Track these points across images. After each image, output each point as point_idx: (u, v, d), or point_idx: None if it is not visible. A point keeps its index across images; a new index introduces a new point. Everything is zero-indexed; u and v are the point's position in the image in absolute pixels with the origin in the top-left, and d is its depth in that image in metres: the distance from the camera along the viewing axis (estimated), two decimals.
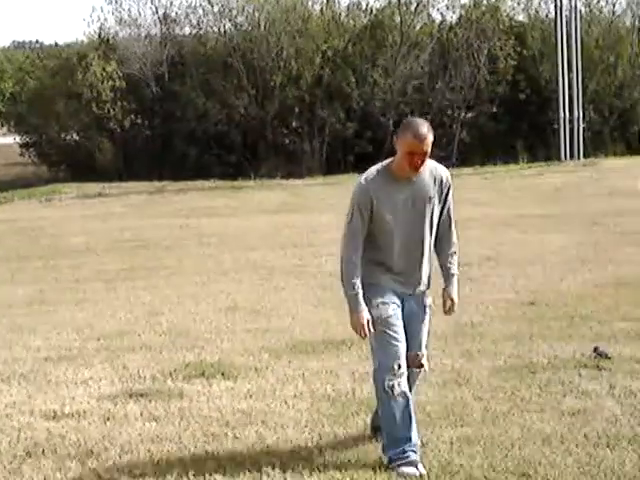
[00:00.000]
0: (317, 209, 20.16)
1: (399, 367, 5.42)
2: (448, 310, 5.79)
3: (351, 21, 32.32)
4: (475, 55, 31.50)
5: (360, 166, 29.51)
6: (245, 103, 30.82)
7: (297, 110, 31.15)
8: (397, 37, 31.13)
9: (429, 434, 5.95)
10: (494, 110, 32.27)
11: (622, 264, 12.19)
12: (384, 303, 5.46)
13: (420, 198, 5.46)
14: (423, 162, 5.32)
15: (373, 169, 5.47)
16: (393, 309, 5.47)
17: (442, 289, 5.77)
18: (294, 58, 30.68)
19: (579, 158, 29.52)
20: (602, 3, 34.11)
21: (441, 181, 5.54)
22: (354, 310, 5.41)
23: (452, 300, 5.76)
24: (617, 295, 10.23)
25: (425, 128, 5.28)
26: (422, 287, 5.63)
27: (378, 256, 5.48)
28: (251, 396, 6.93)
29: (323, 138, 30.76)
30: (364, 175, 5.46)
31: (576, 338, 8.27)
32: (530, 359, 7.66)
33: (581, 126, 29.93)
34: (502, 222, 16.71)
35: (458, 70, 31.54)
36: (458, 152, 30.52)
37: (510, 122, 32.10)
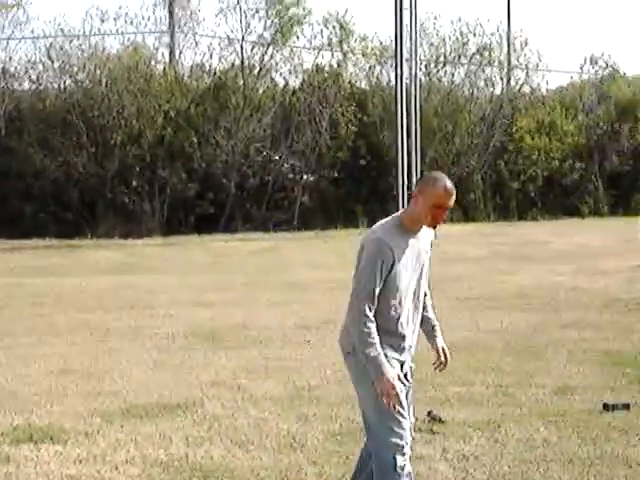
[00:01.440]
0: (156, 270, 19.92)
1: (408, 447, 5.08)
2: (445, 362, 5.46)
3: (194, 82, 32.34)
4: (317, 120, 31.89)
5: (201, 227, 29.53)
6: (84, 161, 30.37)
7: (137, 169, 30.87)
8: (240, 99, 31.29)
9: None
10: (335, 175, 32.68)
11: (457, 329, 12.38)
12: (393, 378, 5.00)
13: (422, 252, 5.15)
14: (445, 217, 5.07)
15: (385, 223, 5.10)
16: (400, 384, 5.03)
17: (432, 343, 5.43)
18: (135, 117, 30.46)
19: None
20: (441, 73, 35.08)
21: (433, 233, 5.28)
22: (383, 372, 4.91)
23: (445, 350, 5.44)
24: (451, 360, 10.35)
25: (452, 183, 5.09)
26: (413, 350, 5.28)
27: (385, 323, 5.05)
28: (81, 461, 6.71)
29: (164, 198, 30.54)
30: (378, 230, 5.07)
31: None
32: None
33: None
34: (341, 285, 16.76)
35: (300, 134, 31.85)
36: (299, 215, 30.72)
37: (351, 187, 32.54)
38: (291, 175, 32.13)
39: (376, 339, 4.94)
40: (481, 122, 34.40)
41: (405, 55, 30.83)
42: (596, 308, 13.93)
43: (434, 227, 5.11)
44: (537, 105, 36.13)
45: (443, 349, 5.43)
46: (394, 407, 4.92)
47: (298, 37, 32.97)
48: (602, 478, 6.21)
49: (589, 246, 23.31)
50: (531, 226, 30.38)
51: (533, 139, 34.35)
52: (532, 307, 14.23)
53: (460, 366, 9.93)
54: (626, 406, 7.91)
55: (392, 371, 4.95)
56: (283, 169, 32.08)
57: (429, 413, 7.77)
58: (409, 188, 30.43)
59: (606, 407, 7.97)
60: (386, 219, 5.15)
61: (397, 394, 4.92)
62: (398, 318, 5.08)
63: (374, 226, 5.15)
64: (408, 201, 31.04)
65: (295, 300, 15.03)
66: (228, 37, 32.39)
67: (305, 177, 32.04)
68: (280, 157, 31.73)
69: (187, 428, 7.53)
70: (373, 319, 4.97)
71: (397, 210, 27.54)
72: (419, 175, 30.74)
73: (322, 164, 32.29)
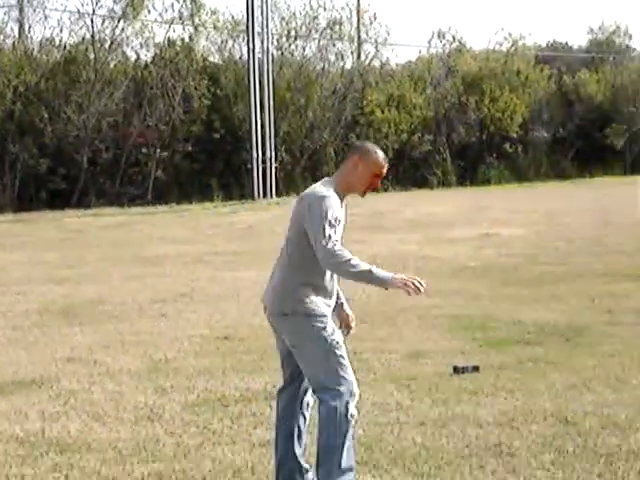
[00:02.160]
0: (6, 247, 19.51)
1: (356, 394, 5.31)
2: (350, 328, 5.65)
3: (44, 57, 31.67)
4: (170, 94, 31.65)
5: (54, 202, 29.00)
6: None
7: None
8: (91, 74, 30.81)
9: (120, 471, 5.89)
10: (189, 149, 32.51)
11: None
12: (334, 329, 5.25)
13: (344, 219, 5.28)
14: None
15: (322, 186, 5.21)
16: (340, 334, 5.33)
17: (340, 311, 5.56)
18: None
19: (272, 197, 30.28)
20: (293, 47, 35.18)
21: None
22: (387, 276, 5.01)
23: (352, 317, 5.66)
24: None
25: None
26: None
27: (318, 280, 5.21)
28: None
29: (15, 174, 29.88)
30: (323, 190, 5.16)
31: (267, 371, 8.43)
32: (222, 393, 7.74)
33: (273, 166, 30.72)
34: (197, 259, 16.83)
35: (153, 108, 31.57)
36: (153, 190, 30.46)
37: (205, 161, 32.44)
38: (145, 150, 31.84)
39: (359, 261, 5.03)
40: (333, 96, 34.69)
41: (257, 29, 30.90)
42: (445, 275, 14.30)
43: (364, 194, 5.33)
44: (387, 79, 36.62)
45: (350, 316, 5.65)
46: (417, 289, 4.98)
47: (149, 11, 32.63)
48: (454, 438, 6.44)
49: (438, 216, 23.83)
50: (382, 197, 30.79)
51: (383, 112, 34.82)
52: None
53: None
54: (476, 368, 8.19)
55: (389, 273, 5.03)
56: (136, 143, 31.76)
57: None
58: (263, 161, 30.57)
59: (456, 370, 8.24)
60: (319, 183, 5.28)
61: (412, 280, 5.00)
62: (331, 276, 5.27)
63: (314, 188, 5.24)
64: (263, 174, 31.18)
65: (150, 274, 14.98)
66: (78, 11, 31.86)
67: (159, 151, 31.79)
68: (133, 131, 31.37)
69: (43, 403, 7.48)
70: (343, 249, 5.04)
71: (252, 184, 27.41)
72: (273, 149, 30.90)
73: (176, 138, 32.08)
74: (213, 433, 6.68)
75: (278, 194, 30.80)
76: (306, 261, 5.19)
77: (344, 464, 5.24)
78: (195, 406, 7.38)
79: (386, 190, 33.41)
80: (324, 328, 5.19)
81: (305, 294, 5.19)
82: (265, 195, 30.31)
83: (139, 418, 7.08)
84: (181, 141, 32.25)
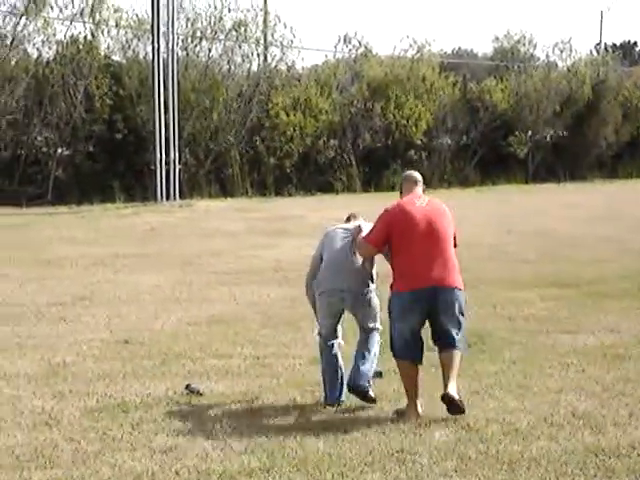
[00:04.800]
0: None
1: None
2: None
3: None
4: (71, 92, 31.10)
5: None
6: None
7: None
8: None
9: (17, 477, 5.74)
10: (91, 149, 31.98)
11: (215, 303, 12.48)
12: None
13: None
14: None
15: None
16: None
17: None
18: None
19: (175, 199, 29.99)
20: (198, 48, 34.92)
21: None
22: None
23: None
24: (210, 333, 10.44)
25: None
26: None
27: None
28: None
29: None
30: None
31: (169, 376, 8.32)
32: (123, 398, 7.60)
33: (177, 168, 30.43)
34: (98, 261, 16.55)
35: (54, 107, 31.00)
36: (54, 190, 29.89)
37: (107, 161, 31.94)
38: (45, 149, 31.23)
39: None
40: (238, 98, 34.48)
41: (162, 29, 30.57)
42: None
43: None
44: (293, 82, 36.55)
45: None
46: None
47: (52, 7, 32.04)
48: (357, 444, 6.42)
49: (342, 220, 23.79)
50: (287, 202, 30.82)
51: (289, 116, 34.74)
52: (288, 281, 14.47)
53: (218, 339, 10.02)
54: (379, 374, 8.18)
55: None
56: (36, 142, 31.17)
57: (187, 386, 7.80)
58: (167, 163, 30.23)
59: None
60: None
61: None
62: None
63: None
64: (167, 176, 30.76)
65: (49, 276, 14.68)
66: None
67: (59, 151, 31.20)
68: (33, 130, 30.79)
69: None
70: None
71: (155, 186, 26.84)
72: (177, 151, 30.61)
73: (77, 138, 31.56)
74: (113, 439, 6.55)
75: (182, 196, 30.52)
76: None
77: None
78: (94, 411, 7.24)
79: (290, 195, 33.40)
80: None
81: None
82: (168, 197, 29.97)
83: (37, 423, 6.92)
84: (82, 140, 31.73)
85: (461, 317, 7.30)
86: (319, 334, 7.75)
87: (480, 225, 21.42)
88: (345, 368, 7.56)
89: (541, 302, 12.35)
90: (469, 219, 24.04)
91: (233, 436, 6.62)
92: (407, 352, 7.27)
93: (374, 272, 7.77)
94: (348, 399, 7.49)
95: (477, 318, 11.18)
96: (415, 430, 6.68)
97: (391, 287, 7.44)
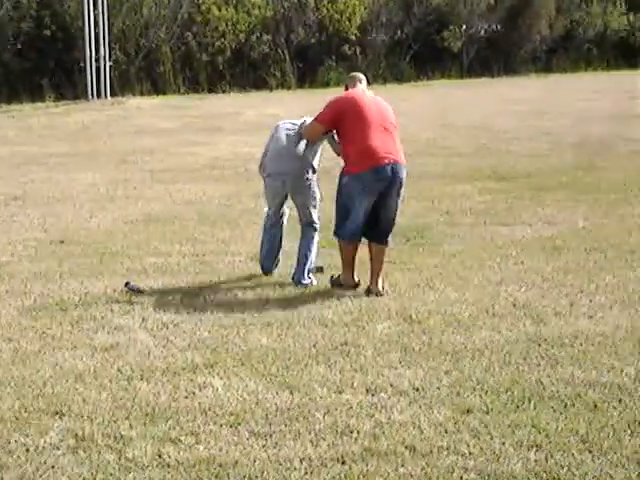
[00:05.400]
0: None
1: None
2: None
3: None
4: None
5: None
6: None
7: None
8: None
9: None
10: (19, 47, 31.19)
11: (151, 201, 12.31)
12: None
13: None
14: None
15: None
16: None
17: None
18: None
19: (106, 97, 29.42)
20: None
21: None
22: None
23: None
24: (147, 231, 10.31)
25: None
26: None
27: None
28: None
29: None
30: None
31: (107, 274, 8.21)
32: (61, 297, 7.49)
33: (107, 65, 29.80)
34: (30, 160, 16.23)
35: None
36: None
37: (36, 60, 31.21)
38: None
39: None
40: None
41: None
42: None
43: None
44: None
45: None
46: None
47: None
48: (300, 338, 6.40)
49: (279, 117, 23.48)
50: (221, 98, 30.42)
51: (220, 11, 34.12)
52: (225, 178, 14.34)
53: (156, 237, 9.90)
54: (320, 269, 8.15)
55: None
56: None
57: (126, 284, 7.70)
58: (96, 60, 29.62)
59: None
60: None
61: None
62: None
63: None
64: (97, 73, 30.10)
65: None
66: None
67: None
68: None
69: None
70: None
71: (85, 84, 26.18)
72: (106, 47, 29.95)
73: (4, 35, 30.73)
74: (52, 338, 6.46)
75: (112, 94, 29.97)
76: None
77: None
78: (32, 311, 7.12)
79: (224, 92, 32.95)
80: None
81: None
82: (99, 95, 29.40)
83: None
84: (10, 38, 30.93)
85: (399, 201, 7.69)
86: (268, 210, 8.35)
87: (417, 120, 21.33)
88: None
89: (479, 195, 12.37)
90: (406, 115, 23.93)
91: (175, 333, 6.57)
92: (356, 236, 7.60)
93: (315, 163, 7.85)
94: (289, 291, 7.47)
95: (415, 212, 11.19)
96: (358, 323, 6.68)
97: (346, 172, 7.60)
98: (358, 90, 7.84)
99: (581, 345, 6.17)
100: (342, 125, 7.58)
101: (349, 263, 7.66)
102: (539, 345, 6.15)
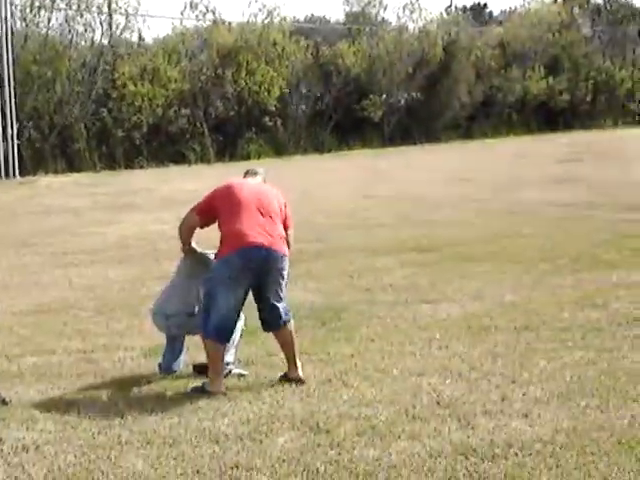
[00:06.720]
0: None
1: None
2: None
3: None
4: None
5: None
6: None
7: None
8: None
9: None
10: None
11: (48, 288, 11.33)
12: None
13: None
14: None
15: None
16: None
17: None
18: None
19: (15, 177, 28.40)
20: (38, 19, 33.26)
21: None
22: None
23: None
24: (36, 324, 9.31)
25: None
26: None
27: None
28: None
29: None
30: None
31: None
32: None
33: (15, 144, 28.83)
34: None
35: None
36: None
37: None
38: None
39: None
40: (82, 69, 33.08)
41: None
42: None
43: None
44: (139, 51, 35.25)
45: None
46: None
47: None
48: (184, 461, 5.39)
49: (196, 192, 22.50)
50: (138, 174, 29.52)
51: (136, 86, 33.41)
52: (131, 259, 13.42)
53: (44, 331, 8.89)
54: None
55: None
56: None
57: None
58: (4, 140, 28.61)
59: (195, 368, 7.22)
60: None
61: None
62: None
63: None
64: (5, 153, 29.03)
65: None
66: None
67: None
68: None
69: None
70: None
71: None
72: (15, 125, 28.94)
73: None
74: None
75: (25, 173, 28.95)
76: None
77: None
78: None
79: (142, 167, 32.11)
80: None
81: None
82: (8, 175, 28.36)
83: None
84: None
85: (284, 285, 6.93)
86: None
87: (338, 191, 20.63)
88: None
89: (400, 269, 11.62)
90: (326, 186, 23.23)
91: (34, 459, 5.39)
92: (222, 333, 6.73)
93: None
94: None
95: (334, 290, 10.39)
96: (255, 436, 5.65)
97: (216, 257, 6.95)
98: (240, 179, 7.31)
99: (516, 456, 5.17)
100: (219, 213, 6.96)
101: (217, 371, 6.68)
102: (466, 458, 5.14)
